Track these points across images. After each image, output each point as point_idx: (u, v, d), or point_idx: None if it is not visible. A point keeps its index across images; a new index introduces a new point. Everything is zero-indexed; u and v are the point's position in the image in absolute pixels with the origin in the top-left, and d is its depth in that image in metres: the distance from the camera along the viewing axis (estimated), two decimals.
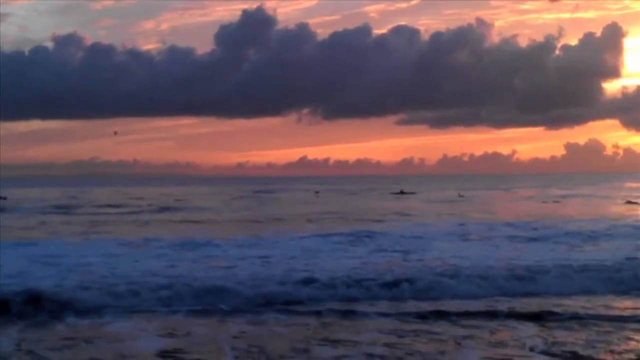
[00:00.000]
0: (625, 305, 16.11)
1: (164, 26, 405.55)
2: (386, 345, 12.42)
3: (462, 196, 79.72)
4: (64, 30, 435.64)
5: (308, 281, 17.67)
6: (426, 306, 15.71)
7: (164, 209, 59.30)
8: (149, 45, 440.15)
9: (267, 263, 21.66)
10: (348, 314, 15.03)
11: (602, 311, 15.20)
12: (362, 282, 17.67)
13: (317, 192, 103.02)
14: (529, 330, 13.47)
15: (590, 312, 15.03)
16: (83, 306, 15.21)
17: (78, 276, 18.86)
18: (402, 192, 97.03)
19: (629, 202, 63.23)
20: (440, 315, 14.82)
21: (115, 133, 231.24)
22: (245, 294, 16.39)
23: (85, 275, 18.98)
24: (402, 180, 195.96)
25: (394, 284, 17.56)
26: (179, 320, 14.64)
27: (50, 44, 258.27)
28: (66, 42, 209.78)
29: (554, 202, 69.35)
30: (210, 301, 15.87)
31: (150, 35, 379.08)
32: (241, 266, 20.74)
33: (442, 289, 17.41)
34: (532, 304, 15.95)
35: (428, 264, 21.26)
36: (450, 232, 32.46)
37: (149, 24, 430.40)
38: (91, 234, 34.88)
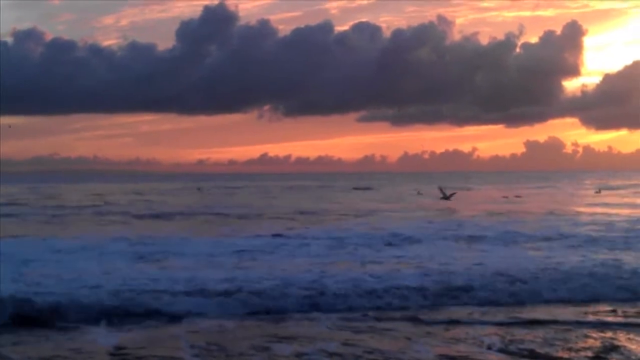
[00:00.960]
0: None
1: (124, 22, 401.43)
2: (343, 343, 12.43)
3: (420, 194, 79.60)
4: (24, 25, 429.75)
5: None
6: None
7: (123, 206, 58.06)
8: (109, 41, 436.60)
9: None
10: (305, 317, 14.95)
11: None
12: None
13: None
14: (486, 329, 13.55)
15: None
16: (39, 306, 14.87)
17: (33, 276, 18.52)
18: (355, 189, 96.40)
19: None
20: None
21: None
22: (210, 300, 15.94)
23: (40, 275, 18.64)
24: (363, 177, 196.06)
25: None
26: (133, 318, 14.52)
27: (9, 39, 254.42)
28: (26, 37, 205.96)
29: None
30: (163, 303, 15.52)
31: (110, 31, 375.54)
32: (192, 268, 20.28)
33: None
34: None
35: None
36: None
37: (108, 20, 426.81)
38: (49, 231, 34.14)
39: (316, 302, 15.98)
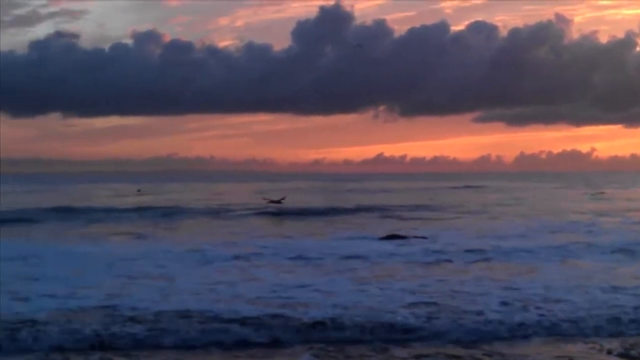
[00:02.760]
0: None
1: (239, 23, 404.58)
2: None
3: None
4: (142, 27, 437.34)
5: None
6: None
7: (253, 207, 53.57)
8: (225, 42, 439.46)
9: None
10: None
11: None
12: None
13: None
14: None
15: None
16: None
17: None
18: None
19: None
20: None
21: None
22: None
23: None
24: (481, 177, 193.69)
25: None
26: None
27: (129, 41, 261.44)
28: (145, 38, 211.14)
29: None
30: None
31: (225, 32, 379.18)
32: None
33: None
34: None
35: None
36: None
37: (223, 21, 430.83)
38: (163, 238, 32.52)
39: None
